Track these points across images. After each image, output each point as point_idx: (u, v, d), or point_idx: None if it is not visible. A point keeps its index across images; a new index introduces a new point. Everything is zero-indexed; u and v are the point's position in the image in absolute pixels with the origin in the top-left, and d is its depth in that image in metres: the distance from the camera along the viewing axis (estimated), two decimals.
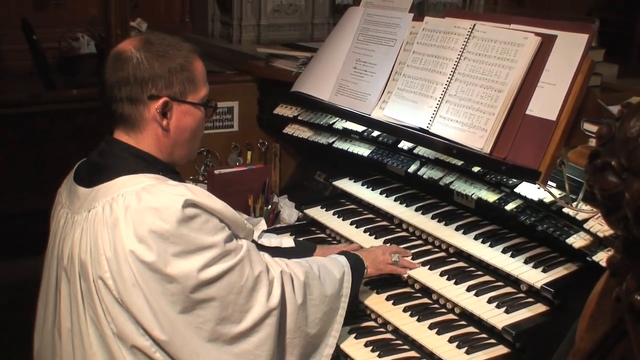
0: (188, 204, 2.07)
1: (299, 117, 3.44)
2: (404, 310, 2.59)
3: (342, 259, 2.59)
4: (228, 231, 2.17)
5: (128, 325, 2.07)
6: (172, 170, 2.32)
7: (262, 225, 2.85)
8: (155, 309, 2.05)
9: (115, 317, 2.08)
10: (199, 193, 2.14)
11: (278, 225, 3.31)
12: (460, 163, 2.68)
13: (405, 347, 2.50)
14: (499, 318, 2.35)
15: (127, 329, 2.08)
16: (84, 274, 2.12)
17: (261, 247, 2.70)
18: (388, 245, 2.84)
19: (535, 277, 2.39)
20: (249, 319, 2.17)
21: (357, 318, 2.66)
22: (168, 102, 2.21)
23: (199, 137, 2.38)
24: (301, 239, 3.09)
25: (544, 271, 2.40)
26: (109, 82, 2.23)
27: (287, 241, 2.85)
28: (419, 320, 2.53)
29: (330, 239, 3.12)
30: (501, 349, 2.35)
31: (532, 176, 2.36)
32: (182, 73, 2.23)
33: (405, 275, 2.69)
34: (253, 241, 2.48)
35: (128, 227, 2.04)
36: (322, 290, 2.41)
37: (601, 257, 2.16)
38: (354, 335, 2.55)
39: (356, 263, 2.60)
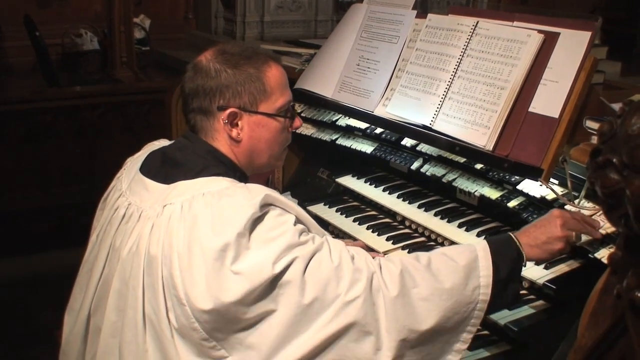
0: (265, 202, 2.02)
1: (302, 114, 3.44)
2: None
3: (475, 244, 2.17)
4: (303, 226, 2.08)
5: (189, 323, 1.99)
6: (247, 181, 2.26)
7: None
8: (221, 299, 1.95)
9: (178, 315, 2.01)
10: (277, 194, 2.10)
11: None
12: (463, 160, 2.68)
13: None
14: (500, 314, 2.34)
15: (187, 327, 2.00)
16: (150, 269, 2.06)
17: None
18: (574, 211, 2.30)
19: (537, 274, 2.39)
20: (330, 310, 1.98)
21: None
22: (237, 112, 2.20)
23: (278, 146, 2.33)
24: None
25: (546, 268, 2.40)
26: (185, 93, 2.25)
27: None
28: None
29: (333, 235, 3.11)
30: (503, 346, 2.35)
31: (535, 173, 2.36)
32: (253, 83, 2.20)
33: None
34: None
35: (206, 222, 1.99)
36: (434, 281, 2.05)
37: (603, 254, 2.17)
38: None
39: (500, 246, 2.17)
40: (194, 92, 2.22)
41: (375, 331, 1.99)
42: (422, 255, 2.15)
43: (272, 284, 1.96)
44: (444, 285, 2.05)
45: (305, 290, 1.97)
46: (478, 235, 2.66)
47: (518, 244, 2.18)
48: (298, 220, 2.08)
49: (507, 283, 2.14)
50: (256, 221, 1.99)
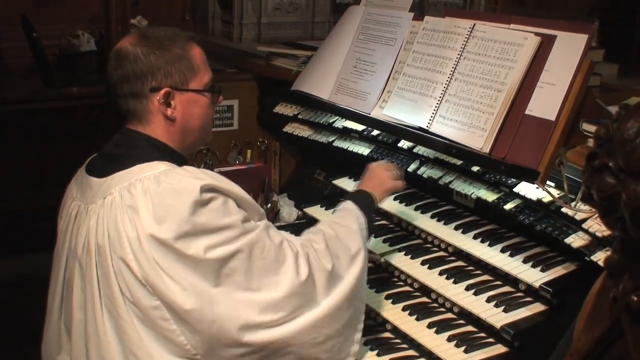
0: (206, 187, 2.08)
1: (299, 116, 3.45)
2: (403, 309, 2.59)
3: (350, 205, 2.54)
4: (244, 213, 2.17)
5: (151, 304, 2.06)
6: (185, 162, 2.33)
7: None
8: (184, 284, 2.03)
9: (138, 299, 2.06)
10: (217, 177, 2.17)
11: (277, 224, 3.31)
12: (459, 162, 2.69)
13: (404, 345, 2.50)
14: (497, 317, 2.35)
15: (150, 309, 2.06)
16: (101, 259, 2.11)
17: None
18: (383, 161, 2.82)
19: (534, 276, 2.40)
20: (280, 289, 2.14)
21: None
22: (170, 92, 2.24)
23: (208, 122, 2.40)
24: None
25: (543, 270, 2.41)
26: (111, 81, 2.27)
27: None
28: (417, 319, 2.53)
29: None
30: (499, 348, 2.35)
31: (531, 176, 2.36)
32: (181, 62, 2.26)
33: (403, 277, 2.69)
34: None
35: (148, 209, 2.05)
36: (345, 247, 2.36)
37: (599, 257, 2.17)
38: None
39: (365, 201, 2.57)
40: (124, 78, 2.24)
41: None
42: (324, 226, 2.46)
43: (219, 269, 2.06)
44: (351, 248, 2.38)
45: (252, 279, 2.11)
46: (474, 237, 2.66)
47: (373, 196, 2.61)
48: (239, 205, 2.17)
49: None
50: (199, 207, 2.06)
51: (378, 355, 2.45)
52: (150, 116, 2.27)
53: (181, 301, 2.04)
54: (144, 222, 2.05)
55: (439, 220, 2.82)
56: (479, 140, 2.49)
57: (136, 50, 2.24)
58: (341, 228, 2.43)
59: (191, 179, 2.09)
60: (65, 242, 2.28)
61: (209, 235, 2.06)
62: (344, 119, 3.19)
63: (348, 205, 2.55)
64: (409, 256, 2.75)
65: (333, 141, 3.27)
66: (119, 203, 2.11)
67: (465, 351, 2.34)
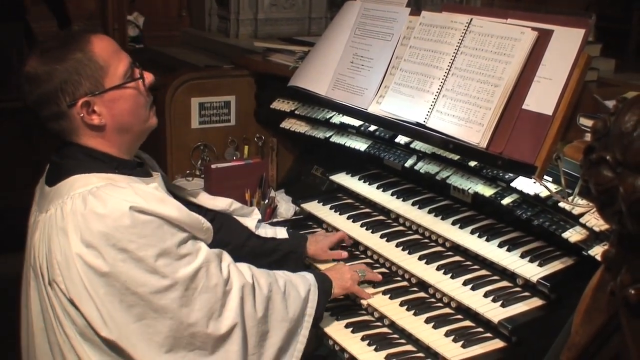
0: (134, 210, 2.04)
1: (296, 112, 3.44)
2: (401, 305, 2.59)
3: (310, 277, 2.56)
4: (181, 235, 2.13)
5: (84, 322, 2.09)
6: (130, 166, 2.28)
7: (257, 214, 2.86)
8: (104, 313, 2.05)
9: (74, 319, 2.09)
10: (148, 197, 2.10)
11: (275, 220, 3.31)
12: (456, 157, 2.68)
13: (402, 341, 2.51)
14: (495, 312, 2.35)
15: (86, 327, 2.09)
16: (43, 277, 2.13)
17: (257, 238, 2.72)
18: (356, 263, 2.83)
19: (531, 271, 2.40)
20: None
21: (354, 312, 2.67)
22: (88, 100, 2.15)
23: (142, 110, 2.28)
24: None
25: (540, 265, 2.41)
26: (31, 106, 2.20)
27: (280, 232, 2.88)
28: (415, 314, 2.54)
29: None
30: (497, 343, 2.36)
31: (528, 171, 2.36)
32: (86, 65, 2.14)
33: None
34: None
35: (76, 232, 2.03)
36: (285, 308, 2.39)
37: (597, 252, 2.17)
38: (350, 329, 2.56)
39: (324, 283, 2.58)
40: (38, 102, 2.17)
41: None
42: (279, 278, 2.45)
43: (147, 301, 2.07)
44: (289, 311, 2.41)
45: (177, 313, 2.13)
46: (472, 232, 2.66)
47: (332, 284, 2.61)
48: (174, 226, 2.13)
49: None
50: (127, 234, 2.03)
51: (376, 350, 2.45)
52: (79, 130, 2.20)
53: (98, 327, 2.06)
54: (72, 244, 2.03)
55: (436, 216, 2.82)
56: (476, 135, 2.49)
57: (37, 71, 2.13)
58: (291, 286, 2.46)
59: (119, 201, 2.04)
60: (27, 248, 2.28)
61: (139, 265, 2.04)
62: (341, 115, 3.19)
63: (309, 277, 2.56)
64: (407, 251, 2.74)
65: (330, 137, 3.27)
66: (53, 222, 2.09)
67: (463, 346, 2.34)
